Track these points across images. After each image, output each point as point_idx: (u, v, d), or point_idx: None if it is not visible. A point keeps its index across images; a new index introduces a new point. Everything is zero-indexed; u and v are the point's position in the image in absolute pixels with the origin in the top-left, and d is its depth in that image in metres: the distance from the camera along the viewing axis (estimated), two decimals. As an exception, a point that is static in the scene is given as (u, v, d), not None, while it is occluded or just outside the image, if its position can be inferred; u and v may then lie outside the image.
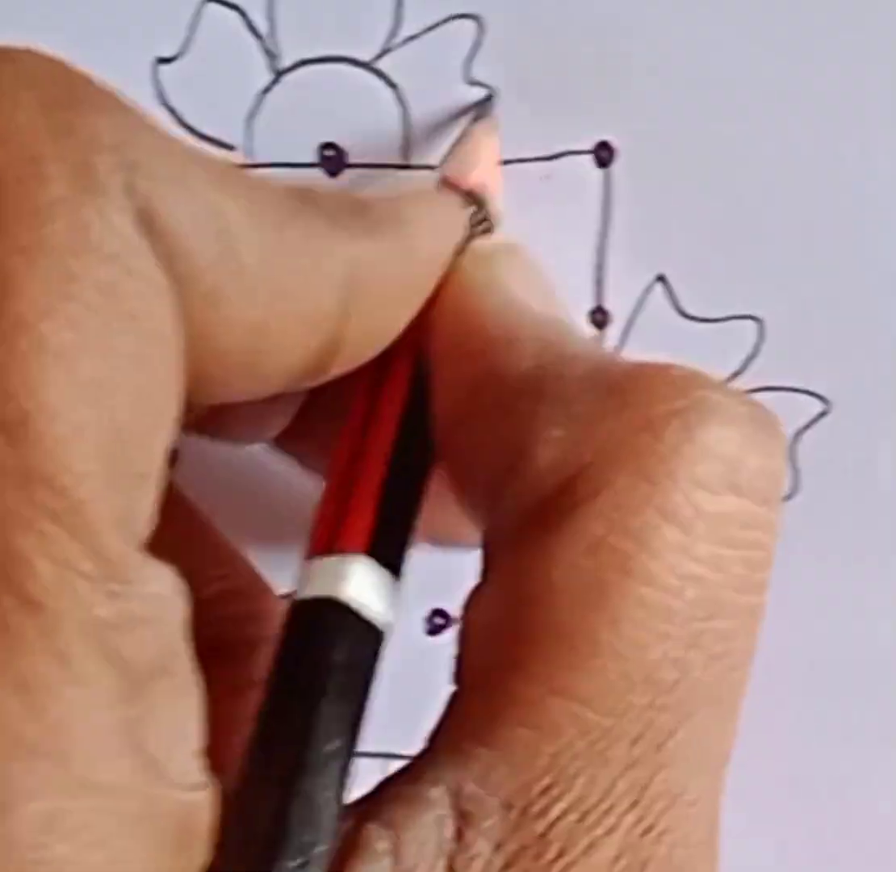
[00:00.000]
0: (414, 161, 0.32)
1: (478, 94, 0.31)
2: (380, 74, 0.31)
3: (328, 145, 0.31)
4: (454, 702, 0.21)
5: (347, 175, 0.31)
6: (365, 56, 0.31)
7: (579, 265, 0.32)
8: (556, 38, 0.31)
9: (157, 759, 0.18)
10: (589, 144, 0.32)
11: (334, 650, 0.21)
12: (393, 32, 0.31)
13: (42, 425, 0.17)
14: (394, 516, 0.22)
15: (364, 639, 0.21)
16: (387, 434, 0.23)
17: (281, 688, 0.20)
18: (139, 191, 0.19)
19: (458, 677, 0.21)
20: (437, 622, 0.31)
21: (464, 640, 0.21)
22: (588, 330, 0.32)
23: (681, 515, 0.20)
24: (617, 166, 0.32)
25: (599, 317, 0.32)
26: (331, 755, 0.20)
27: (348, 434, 0.23)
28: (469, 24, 0.31)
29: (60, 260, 0.17)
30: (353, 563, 0.21)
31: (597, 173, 0.32)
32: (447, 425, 0.23)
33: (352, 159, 0.31)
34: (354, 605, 0.21)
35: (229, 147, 0.31)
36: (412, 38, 0.31)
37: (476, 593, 0.21)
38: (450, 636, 0.31)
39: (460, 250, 0.25)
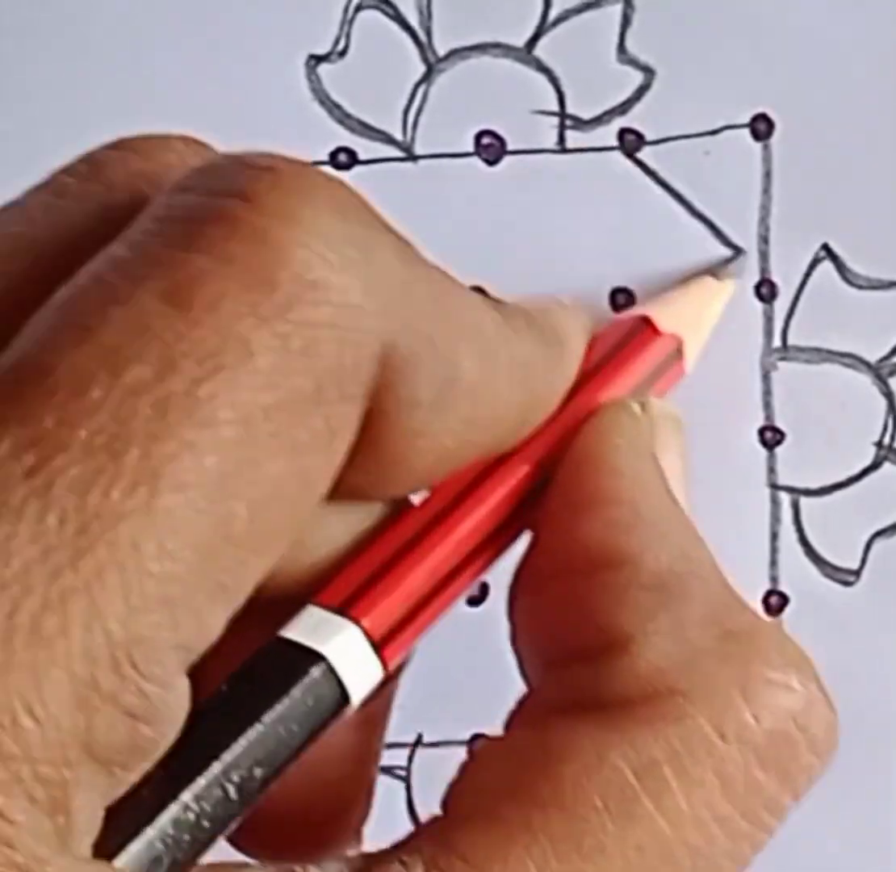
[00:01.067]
0: (571, 146, 0.32)
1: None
2: (533, 59, 0.32)
3: (485, 133, 0.32)
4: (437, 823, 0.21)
5: (507, 162, 0.32)
6: (517, 41, 0.32)
7: (743, 239, 0.32)
8: (708, 12, 0.31)
9: None
10: (746, 118, 0.32)
11: (292, 690, 0.20)
12: (544, 16, 0.31)
13: (162, 486, 0.17)
14: (418, 617, 0.22)
15: (324, 701, 0.21)
16: (464, 536, 0.23)
17: (221, 705, 0.20)
18: (390, 337, 0.19)
19: (449, 801, 0.21)
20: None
21: (464, 774, 0.21)
22: (752, 308, 0.32)
23: (731, 777, 0.20)
24: (775, 139, 0.32)
25: (766, 290, 0.32)
26: (224, 781, 0.18)
27: (425, 508, 0.23)
28: (618, 3, 0.31)
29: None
30: (354, 634, 0.21)
31: (755, 146, 0.32)
32: (550, 572, 0.23)
33: (510, 147, 0.32)
34: (337, 667, 0.21)
35: (391, 139, 0.32)
36: (562, 19, 0.31)
37: (503, 737, 0.21)
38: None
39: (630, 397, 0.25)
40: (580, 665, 0.21)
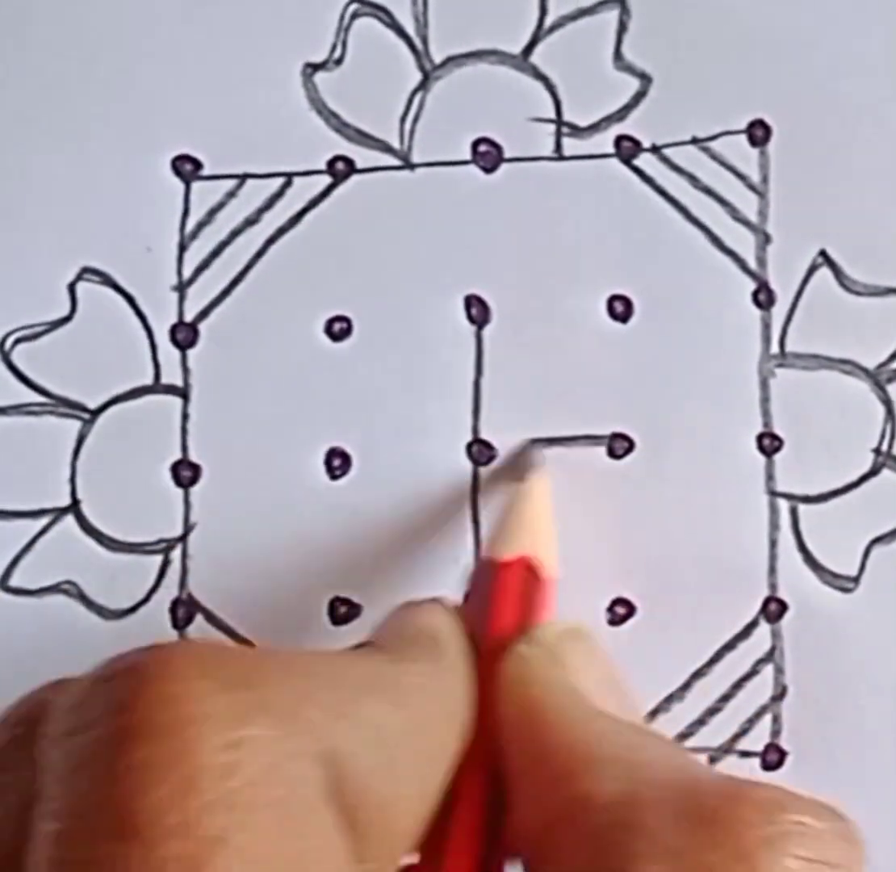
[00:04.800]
0: (568, 153, 0.32)
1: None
2: (529, 66, 0.32)
3: (482, 140, 0.32)
4: None
5: (504, 169, 0.32)
6: (513, 48, 0.32)
7: (740, 245, 0.32)
8: (704, 18, 0.31)
9: None
10: (743, 124, 0.32)
11: None
12: (540, 23, 0.31)
13: None
14: None
15: None
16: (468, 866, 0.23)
17: None
18: (319, 743, 0.20)
19: None
20: (618, 611, 0.31)
21: None
22: (749, 315, 0.32)
23: None
24: (772, 144, 0.32)
25: (763, 297, 0.32)
26: None
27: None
28: (614, 10, 0.31)
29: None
30: None
31: (752, 152, 0.32)
32: (532, 848, 0.23)
33: (507, 154, 0.32)
34: None
35: (389, 147, 0.32)
36: (558, 26, 0.31)
37: None
38: (632, 625, 0.31)
39: (519, 637, 0.25)
40: None
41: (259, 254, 0.31)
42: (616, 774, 0.22)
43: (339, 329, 0.31)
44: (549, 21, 0.32)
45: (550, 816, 0.22)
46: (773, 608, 0.31)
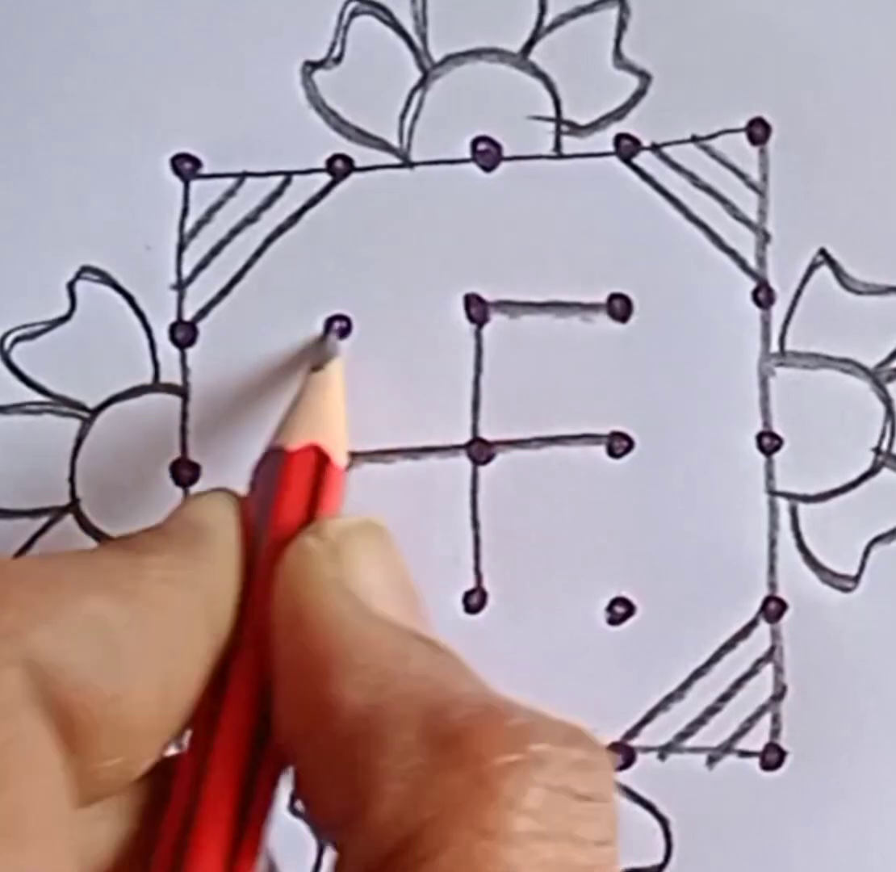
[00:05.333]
0: (567, 151, 0.32)
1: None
2: (529, 65, 0.31)
3: (482, 139, 0.32)
4: None
5: (503, 168, 0.32)
6: (512, 47, 0.31)
7: (740, 244, 0.32)
8: (704, 16, 0.31)
9: None
10: (743, 122, 0.32)
11: None
12: (539, 21, 0.31)
13: None
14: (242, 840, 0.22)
15: None
16: (235, 766, 0.23)
17: None
18: (25, 644, 0.20)
19: None
20: (618, 610, 0.31)
21: None
22: (749, 314, 0.32)
23: (523, 870, 0.20)
24: (772, 143, 0.32)
25: (763, 295, 0.32)
26: None
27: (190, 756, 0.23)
28: (614, 8, 0.31)
29: None
30: None
31: (752, 151, 0.32)
32: (289, 747, 0.23)
33: (506, 153, 0.32)
34: None
35: (388, 146, 0.32)
36: (558, 24, 0.31)
37: None
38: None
39: (306, 526, 0.24)
40: (347, 837, 0.21)
41: (258, 253, 0.31)
42: (367, 681, 0.21)
43: (338, 328, 0.31)
44: (548, 19, 0.32)
45: (304, 718, 0.22)
46: (773, 608, 0.31)
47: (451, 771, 0.20)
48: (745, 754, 0.31)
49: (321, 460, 0.26)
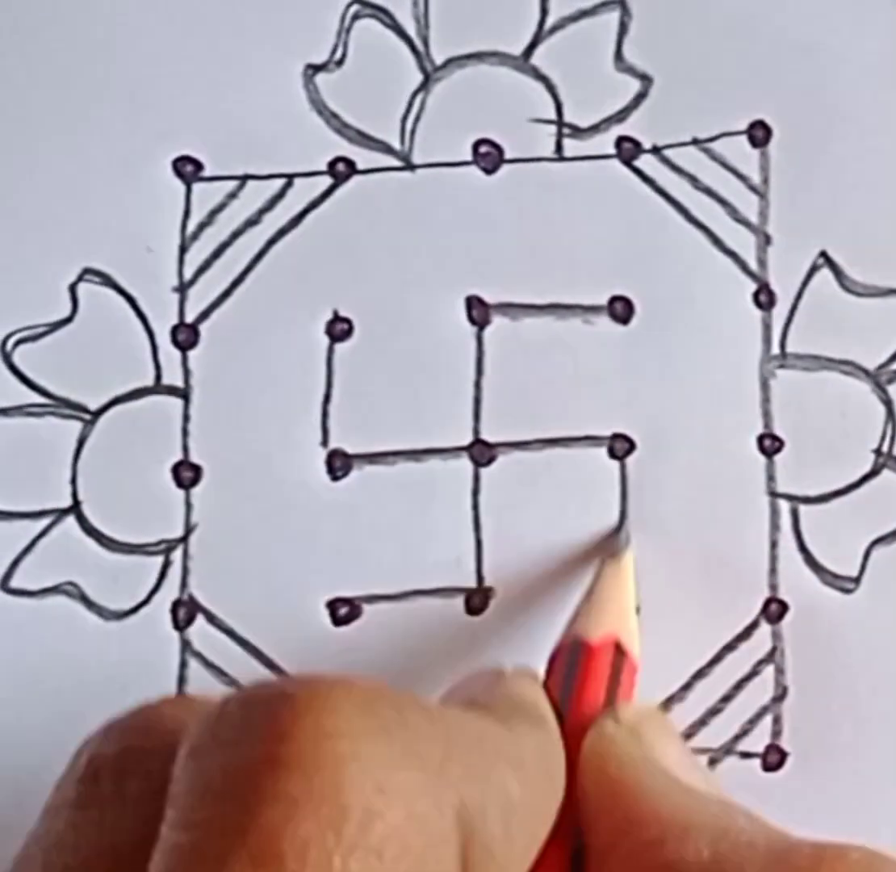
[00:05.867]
0: (568, 154, 0.32)
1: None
2: (530, 68, 0.32)
3: (483, 141, 0.32)
4: None
5: (505, 170, 0.32)
6: (514, 50, 0.32)
7: (741, 246, 0.32)
8: (705, 19, 0.31)
9: None
10: (743, 125, 0.32)
11: None
12: (541, 24, 0.31)
13: None
14: None
15: None
16: None
17: None
18: (458, 800, 0.20)
19: None
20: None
21: None
22: (750, 316, 0.32)
23: None
24: (773, 145, 0.32)
25: (764, 298, 0.32)
26: None
27: None
28: (615, 11, 0.31)
29: None
30: None
31: (753, 153, 0.32)
32: None
33: (508, 155, 0.32)
34: None
35: (390, 149, 0.32)
36: (559, 27, 0.31)
37: None
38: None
39: (602, 715, 0.25)
40: None
41: (260, 255, 0.31)
42: (706, 840, 0.22)
43: (339, 330, 0.31)
44: (549, 22, 0.32)
45: None
46: (774, 609, 0.31)
47: None
48: (746, 755, 0.31)
49: (619, 654, 0.27)
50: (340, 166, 0.31)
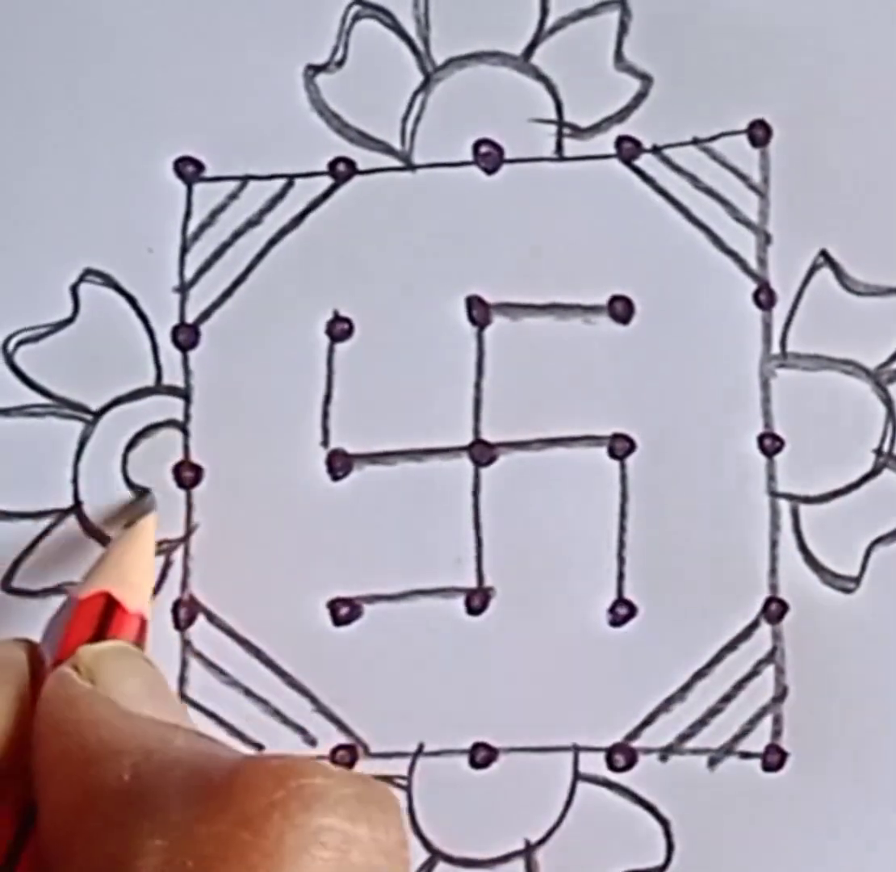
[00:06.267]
0: (569, 154, 0.32)
1: None
2: (530, 68, 0.32)
3: (484, 141, 0.32)
4: None
5: (505, 170, 0.32)
6: (514, 50, 0.32)
7: (741, 245, 0.32)
8: (705, 19, 0.31)
9: None
10: (744, 125, 0.32)
11: None
12: (541, 24, 0.31)
13: None
14: None
15: None
16: None
17: None
18: None
19: None
20: (619, 612, 0.31)
21: None
22: (750, 315, 0.32)
23: None
24: (773, 145, 0.32)
25: (764, 297, 0.32)
26: None
27: None
28: (615, 11, 0.31)
29: None
30: None
31: (753, 153, 0.32)
32: (57, 848, 0.23)
33: (508, 155, 0.32)
34: None
35: (390, 149, 0.32)
36: (559, 27, 0.31)
37: None
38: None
39: (62, 662, 0.26)
40: None
41: (260, 255, 0.31)
42: (129, 762, 0.22)
43: (340, 330, 0.31)
44: (550, 22, 0.32)
45: (70, 812, 0.22)
46: (774, 609, 0.31)
47: (214, 820, 0.21)
48: (746, 755, 0.31)
49: (110, 605, 0.28)
50: (341, 167, 0.31)
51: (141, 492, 0.31)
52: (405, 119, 0.32)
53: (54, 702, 0.24)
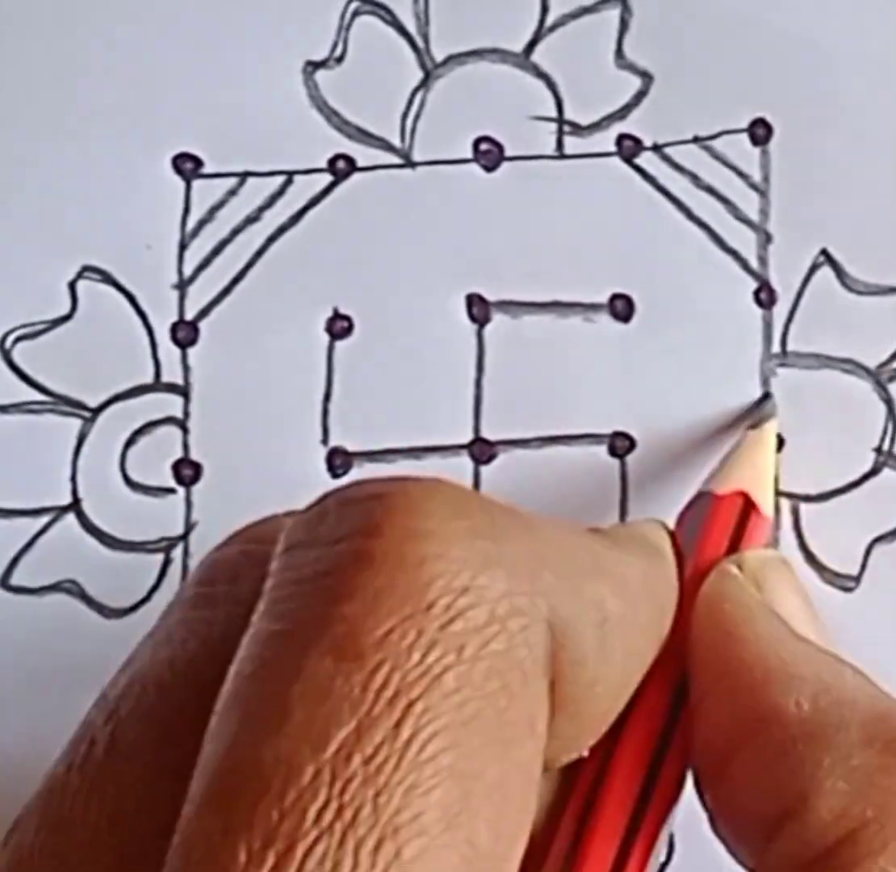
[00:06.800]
0: (569, 151, 0.32)
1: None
2: (531, 65, 0.31)
3: (484, 139, 0.32)
4: None
5: (505, 168, 0.32)
6: (514, 47, 0.31)
7: (742, 244, 0.32)
8: (705, 17, 0.31)
9: None
10: (744, 123, 0.32)
11: None
12: (541, 21, 0.31)
13: (403, 837, 0.17)
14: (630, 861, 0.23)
15: None
16: (636, 774, 0.24)
17: None
18: (547, 608, 0.20)
19: None
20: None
21: None
22: (751, 314, 0.32)
23: None
24: (774, 143, 0.32)
25: (764, 296, 0.32)
26: None
27: (590, 770, 0.24)
28: (616, 8, 0.31)
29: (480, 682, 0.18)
30: None
31: (754, 151, 0.32)
32: (713, 761, 0.23)
33: (508, 153, 0.32)
34: None
35: (390, 146, 0.32)
36: (560, 24, 0.31)
37: None
38: None
39: (725, 559, 0.26)
40: (776, 839, 0.22)
41: (260, 252, 0.31)
42: (810, 692, 0.22)
43: (340, 327, 0.31)
44: (550, 19, 0.32)
45: (737, 728, 0.23)
46: (775, 608, 0.31)
47: (893, 773, 0.21)
48: (746, 754, 0.31)
49: (748, 506, 0.28)
50: (340, 164, 0.31)
51: (764, 395, 0.31)
52: (405, 116, 0.32)
53: (722, 603, 0.24)
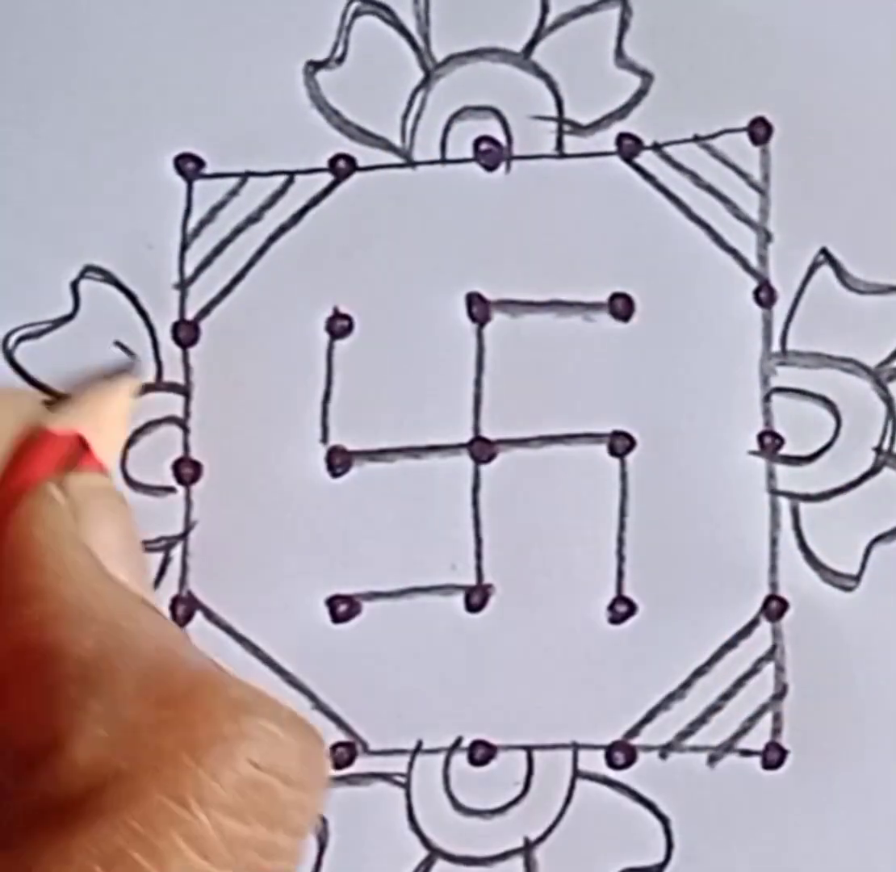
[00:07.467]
0: (569, 151, 0.32)
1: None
2: (531, 65, 0.32)
3: (484, 139, 0.32)
4: None
5: (504, 168, 0.32)
6: (515, 46, 0.32)
7: (741, 243, 0.32)
8: (705, 16, 0.31)
9: None
10: (744, 122, 0.32)
11: None
12: (541, 21, 0.31)
13: None
14: None
15: None
16: None
17: None
18: None
19: None
20: (619, 609, 0.31)
21: None
22: (751, 313, 0.32)
23: (206, 841, 0.20)
24: (774, 142, 0.32)
25: (764, 295, 0.32)
26: None
27: None
28: (616, 7, 0.31)
29: None
30: None
31: (754, 150, 0.32)
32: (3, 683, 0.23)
33: (508, 152, 0.32)
34: None
35: (390, 145, 0.32)
36: (560, 24, 0.31)
37: None
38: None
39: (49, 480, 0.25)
40: (32, 771, 0.21)
41: (261, 252, 0.31)
42: (97, 633, 0.22)
43: (340, 327, 0.31)
44: (550, 19, 0.32)
45: (15, 657, 0.22)
46: (774, 607, 0.31)
47: (162, 731, 0.21)
48: (746, 753, 0.31)
49: (81, 448, 0.28)
50: (341, 163, 0.31)
51: (131, 354, 0.31)
52: (405, 116, 0.32)
53: (32, 528, 0.24)
